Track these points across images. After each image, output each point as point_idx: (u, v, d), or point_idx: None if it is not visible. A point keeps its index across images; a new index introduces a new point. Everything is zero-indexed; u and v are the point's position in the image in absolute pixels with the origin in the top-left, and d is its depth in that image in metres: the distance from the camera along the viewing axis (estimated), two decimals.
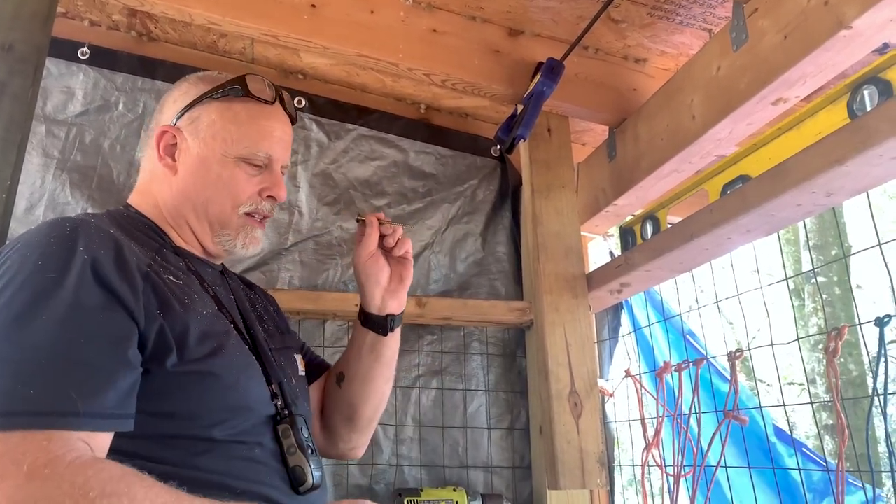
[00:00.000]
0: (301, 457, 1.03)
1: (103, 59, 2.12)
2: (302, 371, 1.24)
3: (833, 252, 6.89)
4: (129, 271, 0.92)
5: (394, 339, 1.31)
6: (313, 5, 1.80)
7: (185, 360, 0.93)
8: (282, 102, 1.19)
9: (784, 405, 1.53)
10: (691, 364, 1.62)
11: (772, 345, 1.52)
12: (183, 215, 1.13)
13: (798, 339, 1.65)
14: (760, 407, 1.65)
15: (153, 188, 1.16)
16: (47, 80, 2.06)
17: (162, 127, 1.14)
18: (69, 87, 2.09)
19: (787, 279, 1.56)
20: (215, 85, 1.15)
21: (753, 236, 1.44)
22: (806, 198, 1.25)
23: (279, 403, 1.05)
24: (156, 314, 0.92)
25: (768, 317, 1.60)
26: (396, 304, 1.29)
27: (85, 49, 2.10)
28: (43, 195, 1.98)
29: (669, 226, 1.81)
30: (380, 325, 1.29)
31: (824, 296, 7.05)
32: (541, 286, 1.78)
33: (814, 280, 7.13)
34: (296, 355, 1.24)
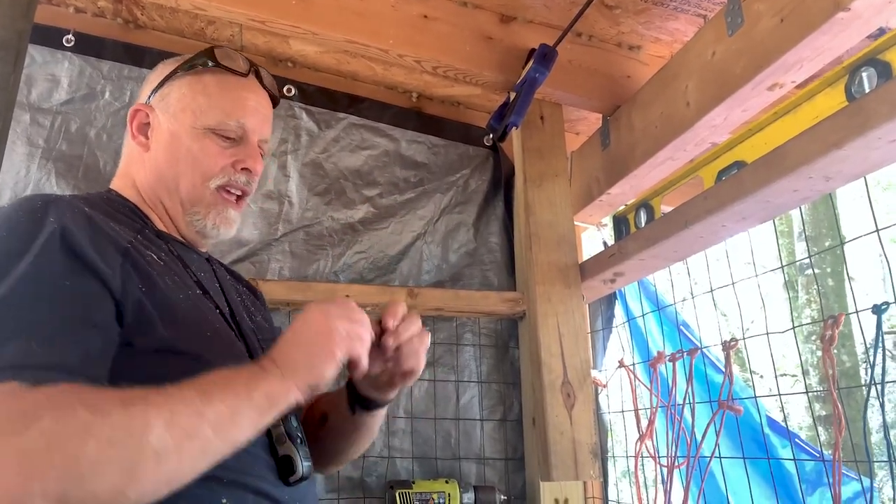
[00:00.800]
0: (290, 446, 0.98)
1: (89, 46, 2.08)
2: None
3: (827, 244, 6.90)
4: (103, 244, 0.87)
5: (379, 414, 1.16)
6: None
7: (168, 339, 0.88)
8: (257, 76, 1.15)
9: (779, 395, 1.52)
10: (685, 354, 1.60)
11: (766, 334, 1.50)
12: (157, 195, 1.10)
13: (794, 328, 1.64)
14: (755, 397, 1.63)
15: (131, 170, 1.13)
16: (31, 67, 2.02)
17: (135, 106, 1.13)
18: (54, 75, 2.05)
19: (782, 267, 1.54)
20: (184, 60, 1.13)
21: (749, 223, 1.42)
22: (803, 183, 1.23)
23: None
24: (136, 287, 0.88)
25: (763, 307, 1.59)
26: (389, 395, 1.11)
27: (70, 36, 2.06)
28: (28, 185, 1.94)
29: (664, 214, 1.79)
30: (364, 404, 1.12)
31: (818, 287, 7.06)
32: (533, 276, 1.76)
33: (808, 271, 7.13)
34: None
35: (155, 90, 1.12)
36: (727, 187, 1.37)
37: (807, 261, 7.08)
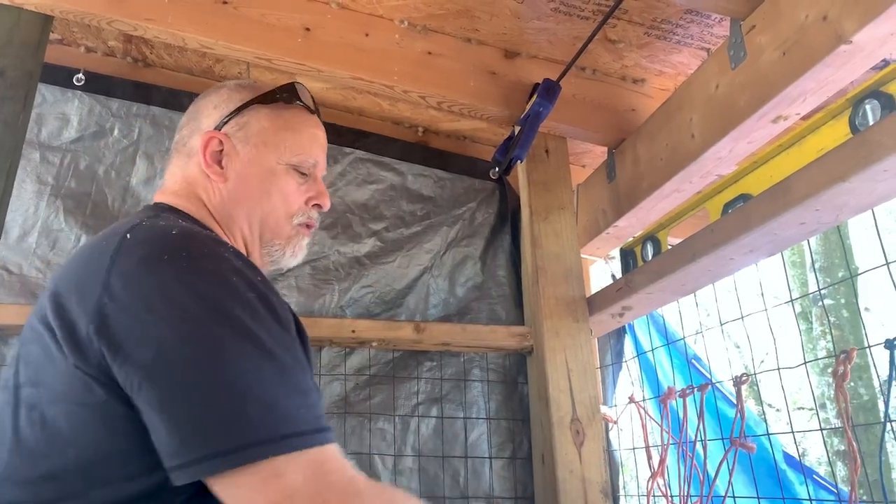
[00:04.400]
0: None
1: (98, 84, 2.12)
2: None
3: (839, 274, 6.82)
4: (275, 290, 0.88)
5: None
6: (307, 28, 1.79)
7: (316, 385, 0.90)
8: (318, 112, 1.17)
9: (793, 431, 1.48)
10: (696, 389, 1.57)
11: (778, 369, 1.47)
12: (236, 223, 1.07)
13: (805, 363, 1.60)
14: (768, 434, 1.59)
15: (199, 194, 1.07)
16: (42, 106, 2.05)
17: (208, 133, 1.07)
18: (64, 114, 2.08)
19: (791, 301, 1.51)
20: (264, 91, 1.11)
21: (756, 256, 1.40)
22: (809, 216, 1.21)
23: None
24: (299, 334, 0.89)
25: (774, 340, 1.56)
26: None
27: (80, 75, 2.10)
28: (36, 222, 1.96)
29: (670, 247, 1.78)
30: None
31: (832, 318, 6.97)
32: (541, 310, 1.74)
33: (821, 303, 7.05)
34: None
35: (228, 118, 1.08)
36: (733, 220, 1.36)
37: (817, 292, 7.00)
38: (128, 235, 0.84)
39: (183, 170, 1.09)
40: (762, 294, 1.60)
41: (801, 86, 1.31)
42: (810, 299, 7.22)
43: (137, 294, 0.78)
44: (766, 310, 1.66)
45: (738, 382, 1.45)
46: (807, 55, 1.27)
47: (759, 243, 1.34)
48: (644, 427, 1.77)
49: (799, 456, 1.75)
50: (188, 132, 1.11)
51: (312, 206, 1.11)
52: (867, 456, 1.36)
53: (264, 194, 1.07)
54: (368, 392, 2.04)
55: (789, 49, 1.31)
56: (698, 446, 1.53)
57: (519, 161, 1.75)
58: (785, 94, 1.33)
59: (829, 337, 7.22)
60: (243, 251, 1.08)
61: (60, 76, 2.09)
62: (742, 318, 1.71)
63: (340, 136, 2.29)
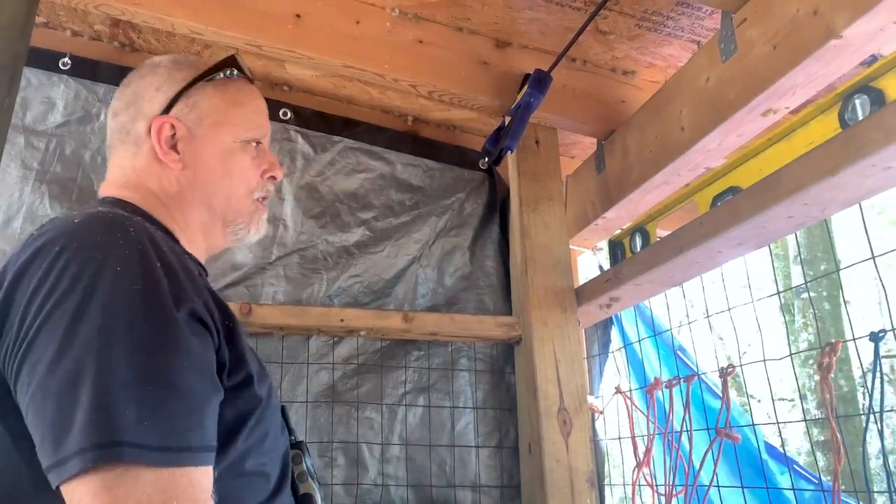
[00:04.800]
0: (311, 485, 0.96)
1: (85, 69, 2.09)
2: None
3: (823, 267, 6.90)
4: (198, 282, 0.83)
5: None
6: (298, 15, 1.78)
7: (252, 377, 0.85)
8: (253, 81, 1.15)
9: (777, 423, 1.50)
10: (682, 380, 1.59)
11: (764, 360, 1.49)
12: (191, 210, 1.03)
13: (791, 355, 1.62)
14: (753, 424, 1.61)
15: (147, 183, 1.02)
16: (27, 90, 2.02)
17: (159, 119, 1.02)
18: (49, 98, 2.05)
19: (778, 293, 1.53)
20: (206, 67, 1.07)
21: (744, 249, 1.41)
22: (798, 209, 1.22)
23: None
24: (222, 327, 0.83)
25: (760, 331, 1.58)
26: None
27: (66, 59, 2.07)
28: (21, 207, 1.93)
29: (659, 238, 1.79)
30: None
31: (815, 311, 7.05)
32: (529, 300, 1.75)
33: (804, 295, 7.14)
34: None
35: (174, 100, 1.03)
36: (722, 213, 1.37)
37: (803, 284, 7.08)
38: (43, 225, 0.82)
39: (131, 160, 1.04)
40: (749, 286, 1.62)
41: (792, 79, 1.32)
42: (793, 291, 7.30)
43: (23, 285, 0.74)
44: (752, 302, 1.67)
45: (723, 374, 1.46)
46: (797, 49, 1.28)
47: (747, 236, 1.35)
48: (630, 417, 1.78)
49: (782, 447, 1.78)
50: (128, 118, 1.05)
51: (268, 178, 1.10)
52: (847, 448, 1.39)
53: (225, 175, 1.04)
54: (356, 381, 2.04)
55: (780, 42, 1.32)
56: (684, 437, 1.55)
57: (510, 151, 1.74)
58: (775, 88, 1.34)
59: (811, 329, 7.32)
60: (198, 236, 1.05)
61: (46, 60, 2.05)
62: (729, 309, 1.73)
63: (330, 124, 2.27)
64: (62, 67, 2.07)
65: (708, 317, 1.82)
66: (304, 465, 0.97)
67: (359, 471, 1.96)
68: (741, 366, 1.46)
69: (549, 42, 1.93)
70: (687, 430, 1.54)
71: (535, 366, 1.66)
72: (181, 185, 1.02)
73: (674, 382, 1.61)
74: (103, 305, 0.71)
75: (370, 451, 2.00)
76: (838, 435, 1.18)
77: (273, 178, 1.11)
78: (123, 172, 1.04)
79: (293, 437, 1.00)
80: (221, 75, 1.07)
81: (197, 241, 1.05)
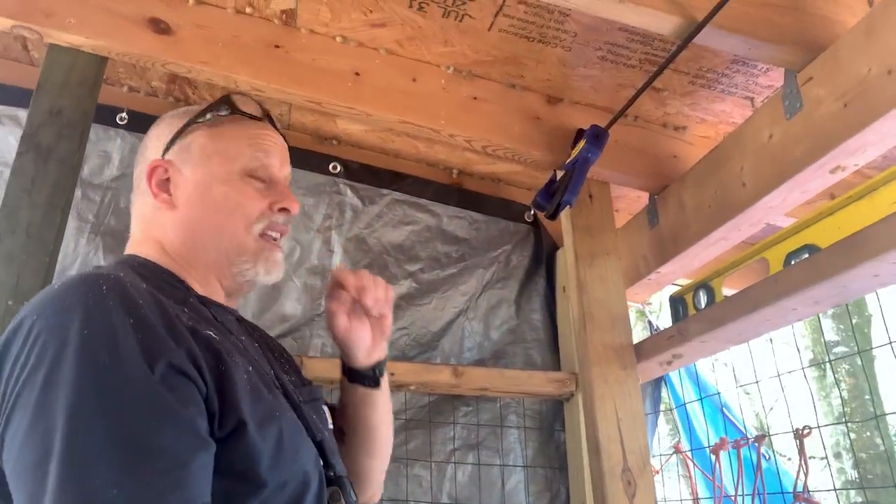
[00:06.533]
0: (337, 491, 0.93)
1: (141, 123, 2.13)
2: (331, 424, 1.11)
3: (855, 321, 6.79)
4: (181, 331, 0.81)
5: (385, 385, 1.22)
6: (357, 73, 1.81)
7: (245, 424, 0.81)
8: (269, 119, 1.13)
9: (835, 490, 1.44)
10: (751, 440, 1.54)
11: (818, 427, 1.45)
12: (195, 252, 1.02)
13: (846, 423, 1.58)
14: (836, 489, 1.56)
15: (154, 233, 1.03)
16: (86, 144, 2.06)
17: (151, 162, 1.04)
18: (106, 152, 2.09)
19: (829, 362, 1.49)
20: (200, 110, 1.08)
21: (821, 308, 1.39)
22: (885, 268, 1.20)
23: (321, 463, 0.94)
24: (212, 374, 0.80)
25: (813, 400, 1.54)
26: (379, 352, 1.20)
27: (123, 114, 2.11)
28: (76, 259, 1.95)
29: (726, 295, 1.76)
30: (369, 378, 1.19)
31: (846, 366, 6.91)
32: (588, 356, 1.72)
33: (836, 349, 7.00)
34: (324, 407, 1.12)
35: (170, 144, 1.05)
36: (800, 271, 1.35)
37: (835, 339, 6.97)
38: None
39: (141, 210, 1.06)
40: (770, 340, 1.60)
41: (862, 138, 1.31)
42: (823, 346, 7.17)
43: (6, 357, 0.76)
44: (802, 369, 1.65)
45: (799, 435, 1.42)
46: (869, 108, 1.27)
47: (825, 295, 1.32)
48: (692, 478, 1.73)
49: None
50: (137, 171, 1.08)
51: (278, 210, 1.06)
52: None
53: (217, 208, 1.02)
54: (405, 437, 2.00)
55: (850, 101, 1.32)
56: (756, 501, 1.50)
57: (569, 205, 1.74)
58: (845, 146, 1.34)
59: (843, 384, 7.15)
60: (211, 278, 1.03)
61: (103, 115, 2.09)
62: (778, 375, 1.71)
63: (377, 177, 2.29)
64: (119, 122, 2.11)
65: (757, 382, 1.80)
66: (343, 501, 0.93)
67: None
68: (819, 427, 1.42)
69: (601, 98, 1.95)
70: (760, 494, 1.48)
71: (597, 424, 1.62)
72: (177, 230, 1.02)
73: (742, 443, 1.56)
74: (70, 375, 0.71)
75: None
76: None
77: (285, 210, 1.06)
78: (139, 226, 1.06)
79: (332, 473, 0.95)
80: (215, 114, 1.07)
81: (211, 284, 1.03)
